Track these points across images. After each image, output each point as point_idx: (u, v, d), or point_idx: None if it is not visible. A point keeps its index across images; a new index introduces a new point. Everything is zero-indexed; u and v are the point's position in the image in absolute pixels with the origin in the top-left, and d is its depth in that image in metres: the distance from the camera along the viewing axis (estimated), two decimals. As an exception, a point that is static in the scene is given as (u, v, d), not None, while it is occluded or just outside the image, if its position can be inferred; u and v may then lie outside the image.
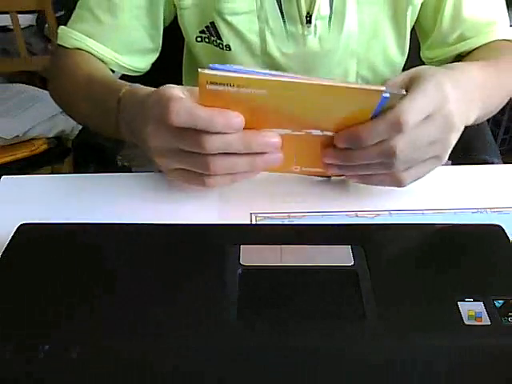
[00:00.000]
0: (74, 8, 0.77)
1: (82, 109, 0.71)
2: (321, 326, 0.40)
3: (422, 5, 0.74)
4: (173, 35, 0.78)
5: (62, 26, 0.76)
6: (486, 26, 0.73)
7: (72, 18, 0.76)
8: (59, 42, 0.76)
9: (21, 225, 0.48)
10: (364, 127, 0.49)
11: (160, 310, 0.41)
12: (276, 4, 0.70)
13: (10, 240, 0.47)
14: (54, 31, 1.37)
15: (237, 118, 0.48)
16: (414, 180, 0.53)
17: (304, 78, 0.48)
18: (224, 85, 0.46)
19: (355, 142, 0.50)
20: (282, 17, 0.71)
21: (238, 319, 0.40)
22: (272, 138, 0.50)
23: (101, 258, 0.46)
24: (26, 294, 0.42)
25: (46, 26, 1.49)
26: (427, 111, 0.49)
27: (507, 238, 0.48)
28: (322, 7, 0.70)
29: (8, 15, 1.35)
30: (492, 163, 0.79)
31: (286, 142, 0.52)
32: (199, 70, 0.45)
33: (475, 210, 0.56)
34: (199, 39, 0.76)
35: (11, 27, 1.42)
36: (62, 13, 1.57)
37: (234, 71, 0.46)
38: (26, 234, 0.47)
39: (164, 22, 0.77)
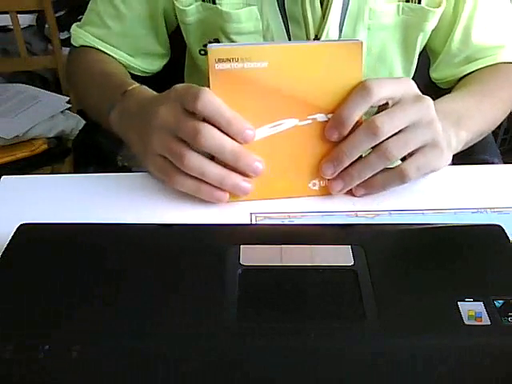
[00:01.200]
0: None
1: (92, 100, 0.73)
2: (321, 326, 0.40)
3: (435, 27, 0.73)
4: (175, 42, 0.78)
5: (75, 27, 0.79)
6: (493, 49, 0.73)
7: (84, 18, 0.79)
8: (73, 42, 0.79)
9: (21, 225, 0.48)
10: (341, 107, 0.52)
11: (160, 310, 0.41)
12: (283, 26, 0.70)
13: (10, 240, 0.47)
14: (54, 31, 1.37)
15: (251, 131, 0.51)
16: (419, 173, 0.53)
17: (300, 41, 0.57)
18: (230, 61, 0.50)
19: (340, 122, 0.52)
20: (289, 39, 0.71)
21: (238, 319, 0.40)
22: (258, 163, 0.52)
23: (101, 258, 0.46)
24: (26, 294, 0.42)
25: (46, 26, 1.49)
26: (396, 91, 0.52)
27: (507, 238, 0.48)
28: (331, 31, 0.69)
29: (8, 15, 1.34)
30: (492, 163, 0.79)
31: (294, 141, 0.54)
32: (208, 46, 0.50)
33: (475, 210, 0.56)
34: (203, 52, 0.77)
35: (11, 27, 1.42)
36: (62, 13, 1.57)
37: (238, 45, 0.54)
38: (26, 234, 0.47)
39: (166, 31, 0.78)
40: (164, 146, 0.53)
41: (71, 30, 0.79)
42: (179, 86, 0.54)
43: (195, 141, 0.50)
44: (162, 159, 0.54)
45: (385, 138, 0.51)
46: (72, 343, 0.37)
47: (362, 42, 0.52)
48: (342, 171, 0.54)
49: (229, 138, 0.51)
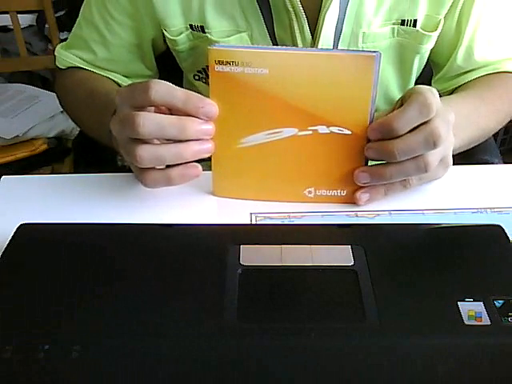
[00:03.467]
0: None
1: (84, 122, 0.73)
2: (321, 325, 0.40)
3: (436, 45, 0.72)
4: (172, 58, 0.78)
5: (59, 49, 0.77)
6: (497, 62, 0.73)
7: (68, 41, 0.78)
8: (58, 64, 0.77)
9: (21, 225, 0.48)
10: (394, 115, 0.50)
11: (160, 310, 0.41)
12: None
13: (10, 240, 0.47)
14: (54, 31, 1.37)
15: (211, 106, 0.50)
16: (420, 183, 0.54)
17: (303, 49, 0.55)
18: (230, 64, 0.49)
19: (388, 130, 0.50)
20: None
21: (238, 319, 0.40)
22: (205, 124, 0.51)
23: (101, 258, 0.46)
24: (26, 293, 0.42)
25: (46, 26, 1.49)
26: (438, 101, 0.50)
27: (507, 238, 0.48)
28: None
29: (8, 15, 1.34)
30: (492, 163, 0.79)
31: (293, 149, 0.53)
32: (209, 47, 0.50)
33: (475, 210, 0.56)
34: (197, 77, 0.77)
35: (11, 27, 1.41)
36: (62, 13, 1.57)
37: (239, 47, 0.51)
38: (26, 234, 0.47)
39: (154, 54, 0.78)
40: (124, 152, 0.52)
41: (55, 52, 0.78)
42: (121, 89, 0.53)
43: (135, 132, 0.49)
44: (133, 167, 0.53)
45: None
46: (72, 343, 0.37)
47: (375, 56, 0.49)
48: (371, 169, 0.53)
49: (166, 115, 0.50)
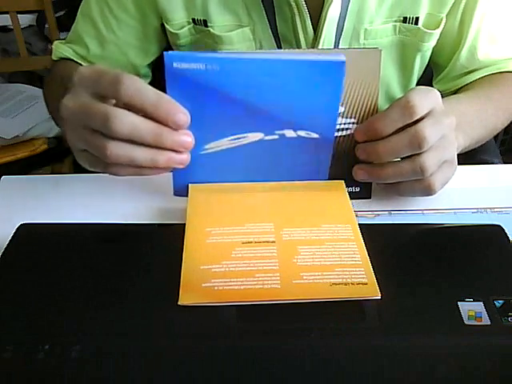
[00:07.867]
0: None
1: (50, 108, 0.72)
2: (321, 325, 0.40)
3: (439, 44, 0.72)
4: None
5: (57, 43, 0.78)
6: (500, 62, 0.73)
7: (68, 35, 0.78)
8: (53, 57, 0.77)
9: (21, 225, 0.48)
10: (377, 117, 0.50)
11: (160, 310, 0.41)
12: (276, 46, 0.70)
13: (10, 240, 0.47)
14: (53, 31, 1.37)
15: (183, 115, 0.46)
16: (441, 188, 0.52)
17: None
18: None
19: (371, 132, 0.50)
20: None
21: (238, 319, 0.40)
22: (183, 136, 0.47)
23: (101, 258, 0.46)
24: (26, 294, 0.42)
25: (46, 26, 1.49)
26: (431, 107, 0.49)
27: (507, 237, 0.48)
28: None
29: (8, 15, 1.34)
30: (492, 163, 0.79)
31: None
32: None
33: (475, 210, 0.56)
34: None
35: (11, 27, 1.41)
36: (62, 13, 1.57)
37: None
38: (26, 233, 0.47)
39: (155, 55, 0.77)
40: (81, 140, 0.47)
41: (53, 46, 0.77)
42: (84, 69, 0.48)
43: (106, 128, 0.44)
44: (87, 153, 0.48)
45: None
46: (72, 343, 0.38)
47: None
48: (369, 167, 0.53)
49: (141, 118, 0.45)
